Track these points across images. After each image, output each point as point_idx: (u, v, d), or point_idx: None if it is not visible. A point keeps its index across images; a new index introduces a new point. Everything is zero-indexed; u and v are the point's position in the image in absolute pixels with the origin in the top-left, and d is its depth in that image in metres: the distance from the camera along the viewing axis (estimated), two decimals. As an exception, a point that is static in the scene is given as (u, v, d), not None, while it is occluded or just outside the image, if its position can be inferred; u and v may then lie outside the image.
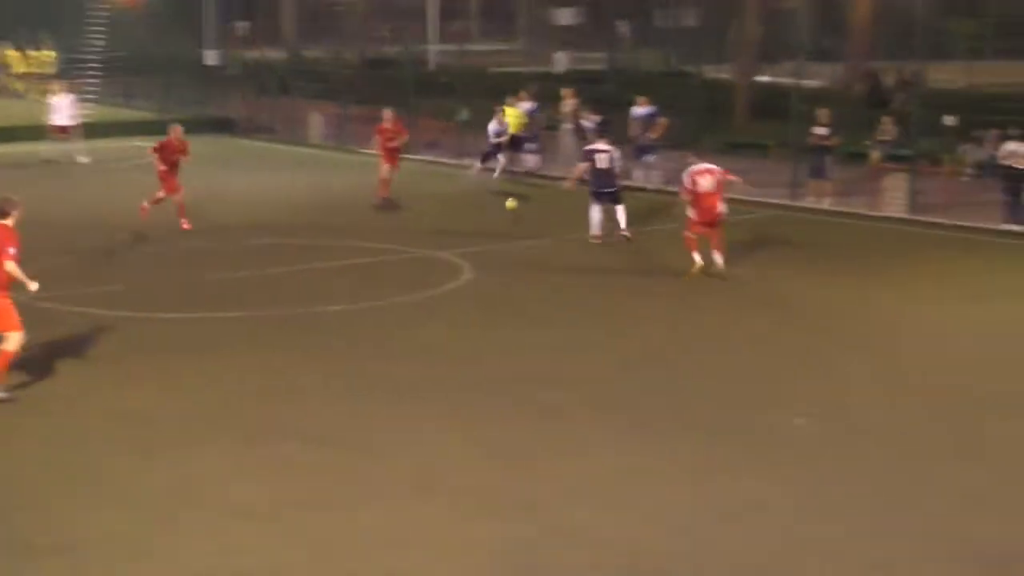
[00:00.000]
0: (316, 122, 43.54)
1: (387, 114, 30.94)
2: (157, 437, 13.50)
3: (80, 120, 37.86)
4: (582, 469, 12.60)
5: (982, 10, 48.61)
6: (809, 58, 38.65)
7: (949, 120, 30.78)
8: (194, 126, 37.92)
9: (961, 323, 18.56)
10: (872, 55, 45.44)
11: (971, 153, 31.91)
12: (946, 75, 37.86)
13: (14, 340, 14.27)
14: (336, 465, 12.73)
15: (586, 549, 10.66)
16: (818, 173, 29.10)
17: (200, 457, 12.91)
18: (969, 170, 31.30)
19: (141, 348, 17.19)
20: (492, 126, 33.04)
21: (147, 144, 28.72)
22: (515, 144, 33.41)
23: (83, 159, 36.53)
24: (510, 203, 23.84)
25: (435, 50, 61.52)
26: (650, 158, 31.84)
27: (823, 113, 29.51)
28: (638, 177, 31.82)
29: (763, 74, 44.81)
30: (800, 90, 32.60)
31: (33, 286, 14.42)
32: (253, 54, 56.74)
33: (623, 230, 23.24)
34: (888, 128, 30.32)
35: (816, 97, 34.68)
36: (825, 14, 50.83)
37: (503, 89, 39.09)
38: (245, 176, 34.38)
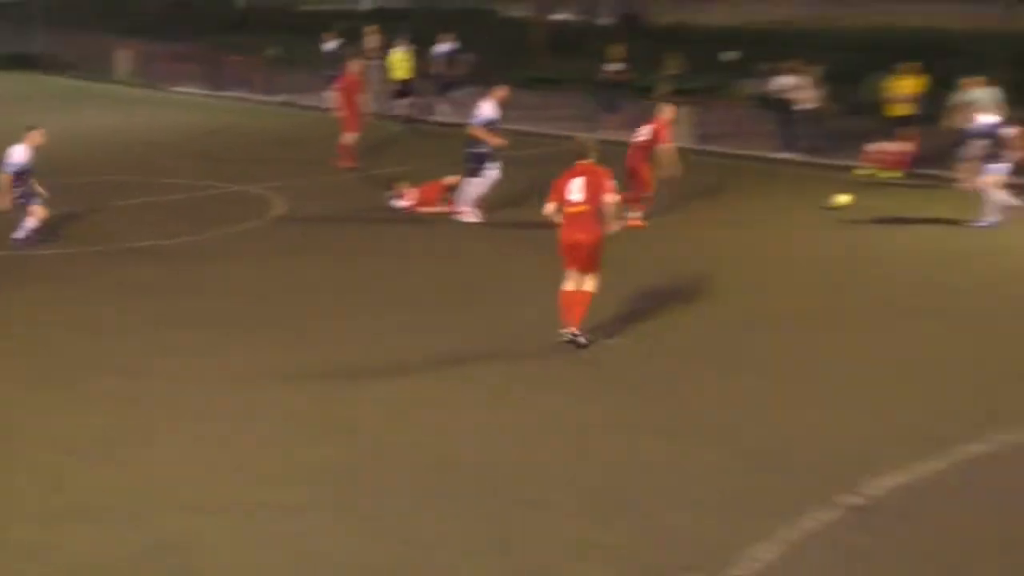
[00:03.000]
0: (122, 59, 42.21)
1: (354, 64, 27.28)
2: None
3: None
4: (397, 393, 12.55)
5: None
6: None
7: (727, 56, 31.29)
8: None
9: (735, 245, 18.86)
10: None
11: (747, 87, 32.54)
12: (724, 14, 38.39)
13: None
14: (156, 396, 12.41)
15: (406, 469, 10.65)
16: (610, 107, 29.30)
17: (14, 393, 12.51)
18: (747, 102, 31.87)
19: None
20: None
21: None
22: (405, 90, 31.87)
23: None
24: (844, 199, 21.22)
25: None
26: (455, 93, 31.59)
27: (616, 50, 29.82)
28: (444, 111, 31.62)
29: (558, 13, 44.81)
30: (593, 28, 32.76)
31: None
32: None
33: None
34: (673, 63, 30.75)
35: (607, 35, 34.99)
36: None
37: (311, 28, 38.78)
38: (50, 114, 33.12)
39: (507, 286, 16.75)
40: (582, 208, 13.39)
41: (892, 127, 25.00)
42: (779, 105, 26.96)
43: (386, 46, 32.28)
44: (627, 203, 18.33)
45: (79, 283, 16.87)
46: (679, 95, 29.96)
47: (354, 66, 26.84)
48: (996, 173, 19.46)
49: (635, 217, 19.28)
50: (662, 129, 20.15)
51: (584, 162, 13.74)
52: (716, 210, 21.37)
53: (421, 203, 20.81)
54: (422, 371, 13.15)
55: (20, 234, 18.19)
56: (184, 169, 25.37)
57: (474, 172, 19.76)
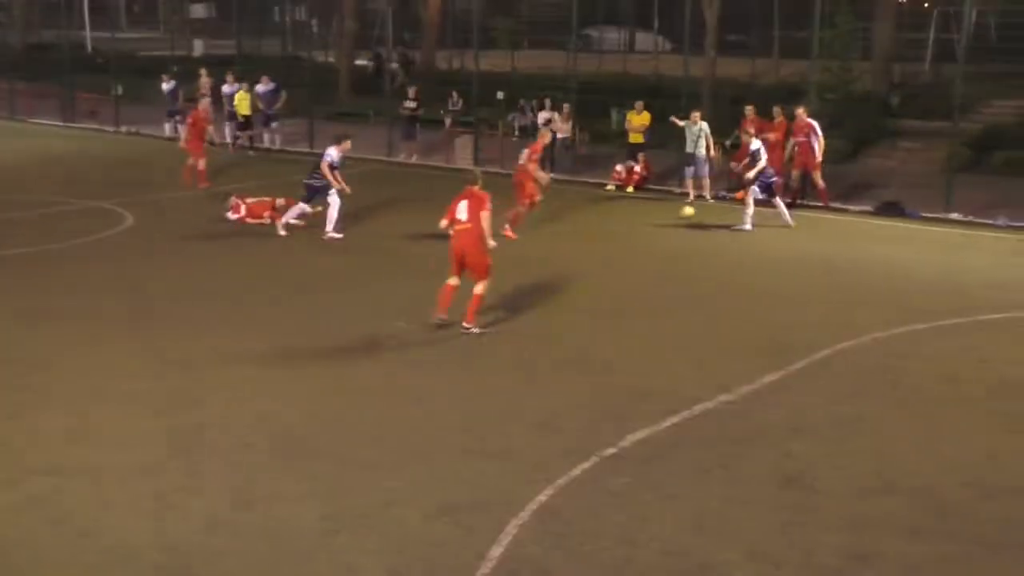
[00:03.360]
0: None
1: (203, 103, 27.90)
2: None
3: None
4: (242, 373, 12.28)
5: (517, 12, 50.23)
6: (395, 47, 38.56)
7: (500, 95, 31.50)
8: None
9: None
10: (440, 45, 45.98)
11: (516, 119, 32.92)
12: (497, 61, 38.64)
13: None
14: (18, 381, 11.87)
15: (246, 434, 10.47)
16: (408, 136, 29.28)
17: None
18: (515, 132, 32.19)
19: None
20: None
21: None
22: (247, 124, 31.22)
23: None
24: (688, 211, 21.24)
25: (90, 36, 58.53)
26: (274, 125, 31.13)
27: (412, 89, 29.91)
28: (265, 140, 31.27)
29: (359, 59, 44.65)
30: (392, 71, 32.66)
31: None
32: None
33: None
34: (456, 100, 31.04)
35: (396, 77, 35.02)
36: (406, 13, 50.85)
37: (150, 69, 37.95)
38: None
39: (334, 284, 16.46)
40: (467, 226, 13.57)
41: (630, 151, 25.42)
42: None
43: (215, 86, 31.64)
44: (508, 218, 18.84)
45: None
46: (461, 126, 30.21)
47: (203, 104, 27.15)
48: (752, 187, 20.23)
49: (509, 229, 18.97)
50: (534, 151, 20.03)
51: (471, 188, 13.87)
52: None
53: (251, 215, 20.42)
54: (263, 355, 12.88)
55: None
56: (42, 188, 24.30)
57: (307, 199, 19.42)
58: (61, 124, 36.90)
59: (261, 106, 30.71)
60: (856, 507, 9.19)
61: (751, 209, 20.15)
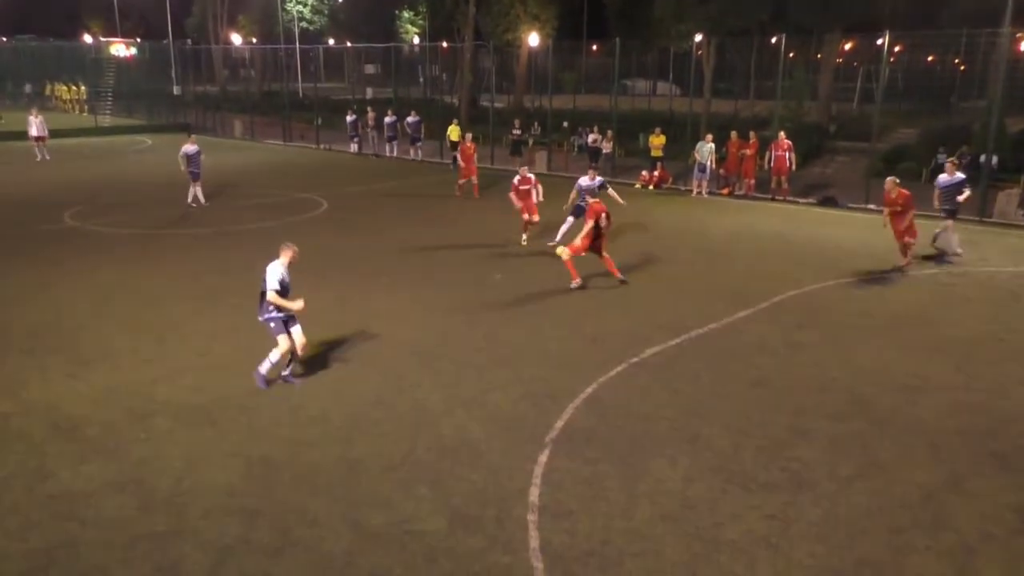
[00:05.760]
0: (238, 125, 40.95)
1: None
2: None
3: (46, 132, 30.14)
4: (391, 303, 12.29)
5: (577, 67, 49.50)
6: (495, 92, 38.24)
7: (564, 124, 31.11)
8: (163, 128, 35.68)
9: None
10: (527, 91, 45.53)
11: (576, 141, 32.51)
12: (563, 101, 38.16)
13: None
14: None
15: (398, 341, 10.44)
16: (517, 152, 28.65)
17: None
18: (576, 150, 31.82)
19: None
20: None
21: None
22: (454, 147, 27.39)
23: (47, 156, 29.59)
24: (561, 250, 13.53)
25: (300, 86, 59.09)
26: (419, 144, 30.26)
27: (516, 120, 29.72)
28: (410, 154, 30.50)
29: (482, 100, 44.36)
30: (494, 108, 32.39)
31: None
32: (204, 88, 53.13)
33: None
34: (536, 127, 30.77)
35: (505, 112, 34.63)
36: (504, 68, 50.38)
37: (339, 107, 38.09)
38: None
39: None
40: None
41: (652, 162, 25.02)
42: (591, 151, 26.97)
43: (379, 117, 31.39)
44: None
45: None
46: (541, 145, 29.92)
47: (468, 138, 22.40)
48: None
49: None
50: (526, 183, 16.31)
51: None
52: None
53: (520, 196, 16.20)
54: (412, 299, 12.89)
55: None
56: (268, 183, 24.20)
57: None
58: (281, 143, 37.33)
59: (410, 131, 30.54)
60: (799, 400, 9.00)
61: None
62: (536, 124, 32.61)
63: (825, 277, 14.12)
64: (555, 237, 16.07)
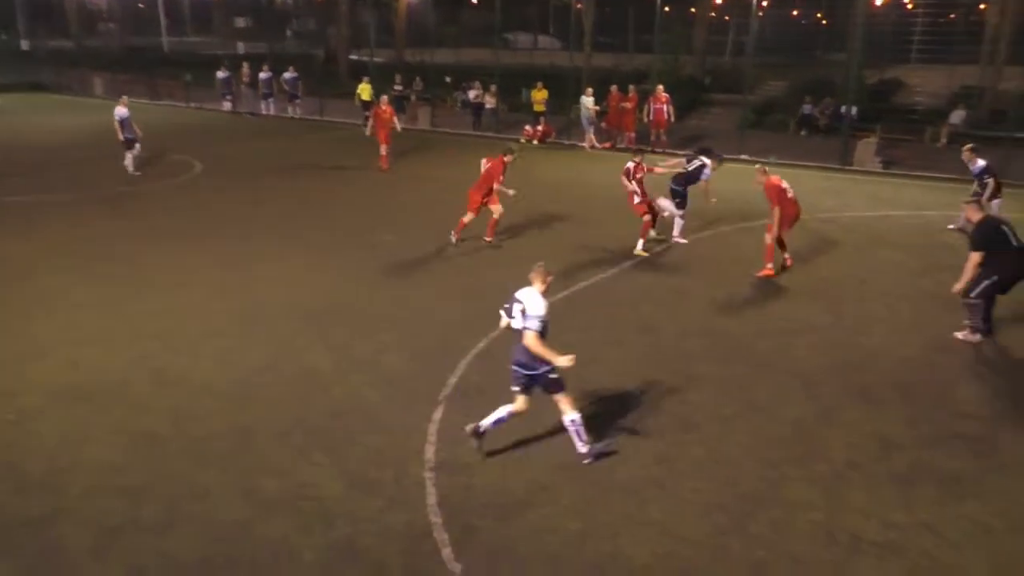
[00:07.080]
0: (99, 83, 38.27)
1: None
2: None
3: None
4: (278, 268, 11.96)
5: (460, 18, 48.80)
6: (375, 47, 37.22)
7: (447, 79, 30.70)
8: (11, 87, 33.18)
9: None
10: (408, 46, 44.46)
11: (459, 97, 32.15)
12: (445, 56, 37.57)
13: None
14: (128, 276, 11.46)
15: (285, 306, 10.21)
16: (400, 108, 27.45)
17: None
18: (459, 106, 31.50)
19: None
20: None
21: None
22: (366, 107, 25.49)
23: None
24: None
25: (165, 40, 55.76)
26: (297, 101, 29.30)
27: (399, 76, 29.07)
28: (289, 111, 29.41)
29: (352, 54, 42.96)
30: (374, 63, 31.50)
31: None
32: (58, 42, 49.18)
33: None
34: (418, 82, 30.19)
35: (386, 68, 33.77)
36: (383, 22, 48.95)
37: (212, 63, 36.20)
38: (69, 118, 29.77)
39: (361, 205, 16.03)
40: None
41: (535, 117, 25.07)
42: (474, 107, 26.73)
43: (253, 74, 30.07)
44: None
45: None
46: (424, 101, 29.40)
47: (383, 101, 20.55)
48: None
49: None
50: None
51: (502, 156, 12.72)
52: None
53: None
54: (293, 257, 12.52)
55: None
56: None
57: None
58: (148, 101, 35.26)
59: (287, 88, 29.45)
60: (684, 345, 9.35)
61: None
62: (418, 79, 32.02)
63: (704, 227, 14.61)
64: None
